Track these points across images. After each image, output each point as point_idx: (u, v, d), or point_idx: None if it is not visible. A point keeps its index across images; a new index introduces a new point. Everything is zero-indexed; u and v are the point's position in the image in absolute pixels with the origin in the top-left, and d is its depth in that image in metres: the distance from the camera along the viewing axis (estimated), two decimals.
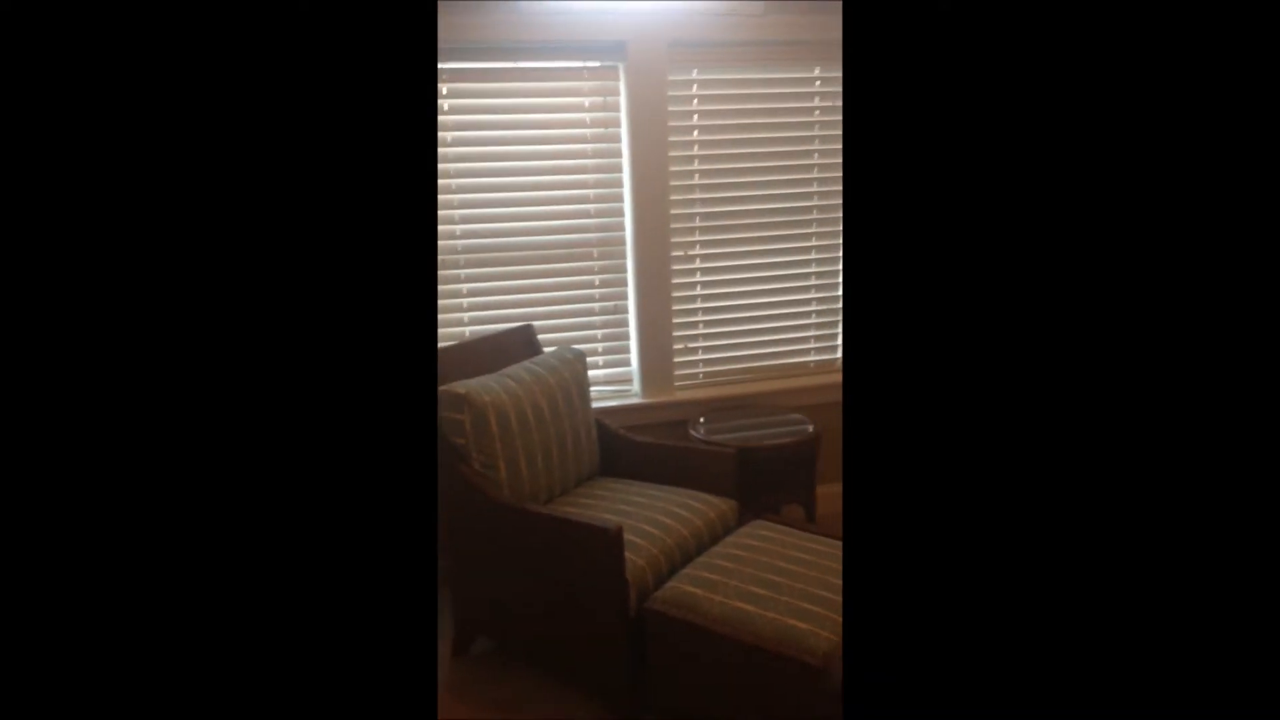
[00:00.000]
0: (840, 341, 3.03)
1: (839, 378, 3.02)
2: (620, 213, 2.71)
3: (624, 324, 2.82)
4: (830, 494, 3.10)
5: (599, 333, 2.80)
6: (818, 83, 2.77)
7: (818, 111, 2.79)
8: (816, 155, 2.83)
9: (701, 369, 2.93)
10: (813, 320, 2.99)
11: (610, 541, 1.86)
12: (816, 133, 2.81)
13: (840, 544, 2.08)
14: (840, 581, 1.87)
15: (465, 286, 2.66)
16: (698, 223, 2.79)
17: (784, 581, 1.87)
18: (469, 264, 2.64)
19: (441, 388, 2.15)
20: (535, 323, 2.67)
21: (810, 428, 2.63)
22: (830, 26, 2.68)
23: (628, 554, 1.95)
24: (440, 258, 2.60)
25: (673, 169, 2.71)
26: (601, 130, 2.63)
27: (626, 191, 2.69)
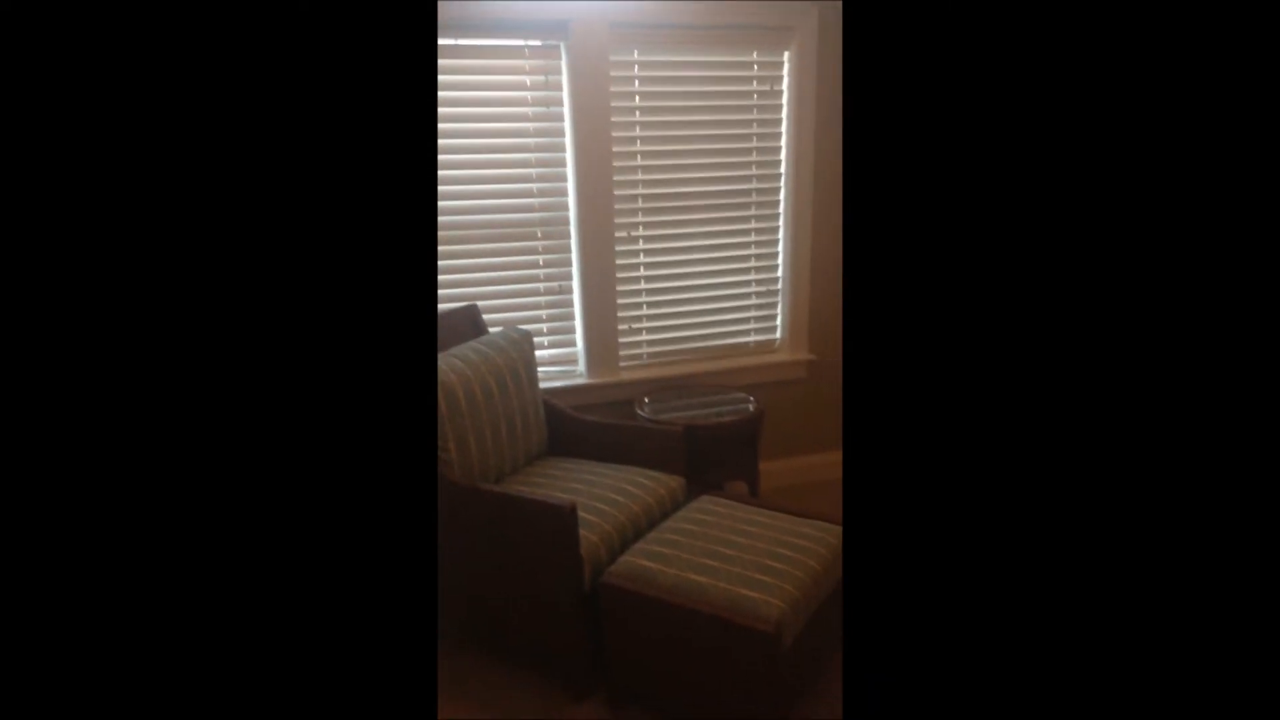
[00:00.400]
0: (779, 321, 3.10)
1: (778, 357, 3.09)
2: (564, 193, 2.71)
3: (569, 305, 2.82)
4: (771, 470, 3.18)
5: (544, 313, 2.80)
6: (755, 66, 2.82)
7: (755, 95, 2.84)
8: (755, 139, 2.88)
9: (646, 349, 2.96)
10: (753, 301, 3.05)
11: (564, 518, 1.87)
12: (755, 116, 2.86)
13: (785, 516, 2.14)
14: (788, 551, 1.93)
15: None
16: (640, 204, 2.81)
17: (733, 553, 1.92)
18: None
19: None
20: (480, 303, 2.65)
21: (752, 406, 2.69)
22: (766, 11, 2.72)
23: (581, 531, 1.97)
24: None
25: (615, 149, 2.72)
26: (544, 110, 2.62)
27: (570, 171, 2.69)
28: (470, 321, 2.54)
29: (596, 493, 2.17)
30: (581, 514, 2.04)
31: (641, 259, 2.87)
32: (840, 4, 2.80)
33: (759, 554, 1.92)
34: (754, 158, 2.90)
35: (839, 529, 2.09)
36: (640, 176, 2.78)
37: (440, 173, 2.56)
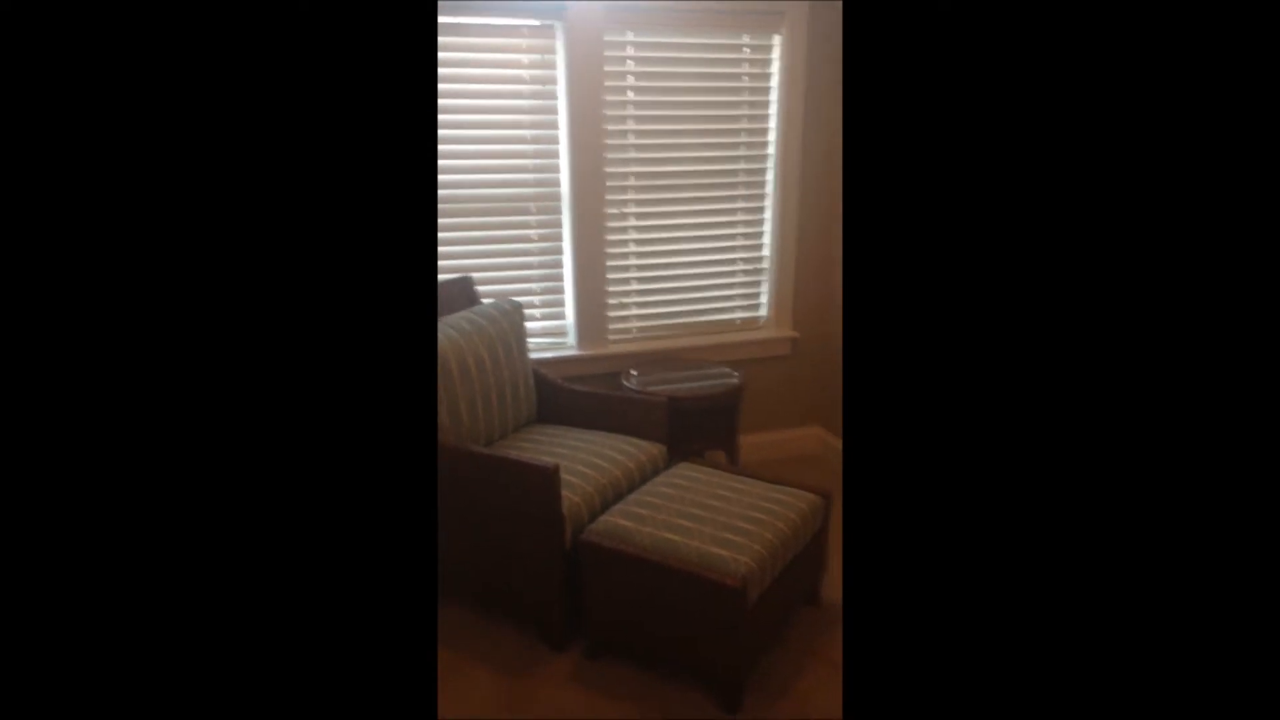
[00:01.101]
0: (764, 299, 3.20)
1: (763, 334, 3.19)
2: (556, 169, 2.80)
3: (560, 278, 2.91)
4: (750, 442, 3.30)
5: (535, 285, 2.89)
6: (746, 49, 2.89)
7: (746, 78, 2.92)
8: (745, 121, 2.96)
9: (635, 323, 3.06)
10: (739, 279, 3.15)
11: (547, 479, 1.98)
12: (744, 98, 2.94)
13: (759, 482, 2.26)
14: (759, 514, 2.05)
15: None
16: (632, 181, 2.90)
17: (707, 515, 2.04)
18: None
19: None
20: (474, 274, 2.75)
21: (735, 380, 2.80)
22: None
23: (564, 492, 2.09)
24: None
25: (608, 128, 2.80)
26: (539, 88, 2.70)
27: (563, 148, 2.77)
28: (464, 292, 2.64)
29: (580, 457, 2.28)
30: (565, 476, 2.16)
31: (632, 235, 2.96)
32: None
33: (732, 516, 2.03)
34: (743, 139, 2.98)
35: (810, 495, 2.20)
36: (632, 155, 2.87)
37: (438, 147, 2.65)
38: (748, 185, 3.05)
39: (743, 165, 3.01)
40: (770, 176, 3.06)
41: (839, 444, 3.26)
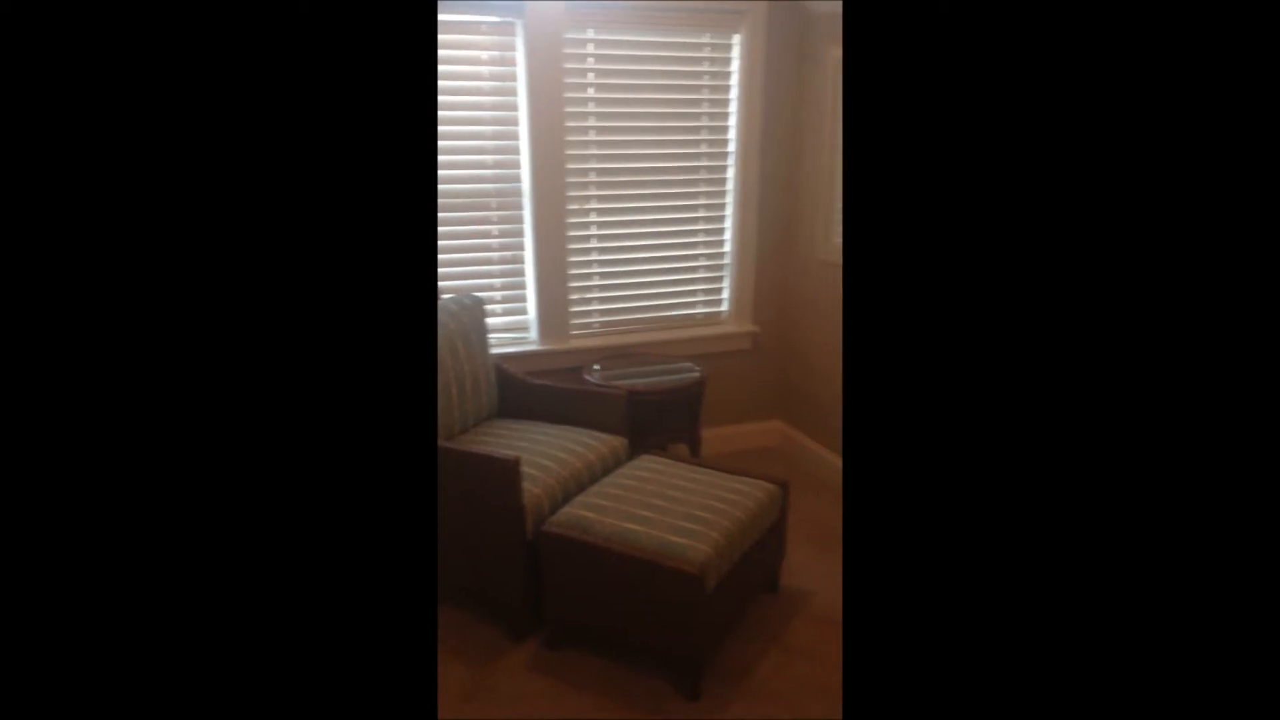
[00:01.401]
0: (726, 295, 3.24)
1: (724, 329, 3.24)
2: (517, 165, 2.81)
3: (521, 273, 2.93)
4: (712, 435, 3.34)
5: (497, 281, 2.90)
6: (707, 48, 2.93)
7: (706, 76, 2.96)
8: (705, 119, 3.00)
9: (596, 319, 3.08)
10: (700, 275, 3.19)
11: (508, 471, 2.00)
12: (705, 96, 2.97)
13: (718, 473, 2.29)
14: (717, 503, 2.08)
15: None
16: (593, 178, 2.92)
17: (667, 505, 2.07)
18: None
19: None
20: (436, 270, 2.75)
21: (696, 374, 2.83)
22: None
23: (525, 484, 2.10)
24: None
25: (569, 125, 2.82)
26: (499, 84, 2.71)
27: (524, 144, 2.79)
28: None
29: (541, 450, 2.30)
30: (526, 469, 2.17)
31: (594, 231, 2.98)
32: None
33: (691, 505, 2.06)
34: (704, 136, 3.02)
35: (768, 485, 2.24)
36: (593, 152, 2.89)
37: None
38: (709, 182, 3.08)
39: (704, 162, 3.05)
40: (731, 174, 3.10)
41: (799, 436, 3.31)
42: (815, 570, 2.52)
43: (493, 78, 2.70)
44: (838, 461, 3.07)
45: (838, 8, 2.79)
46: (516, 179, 2.82)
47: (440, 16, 2.58)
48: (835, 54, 2.79)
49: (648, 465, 2.33)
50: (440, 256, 2.80)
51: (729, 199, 3.13)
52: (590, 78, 2.82)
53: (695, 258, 3.16)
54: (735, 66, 2.98)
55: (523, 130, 2.77)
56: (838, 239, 2.91)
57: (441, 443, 2.14)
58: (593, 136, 2.87)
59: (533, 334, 2.99)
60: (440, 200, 2.75)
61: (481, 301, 2.58)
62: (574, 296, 3.01)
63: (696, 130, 3.00)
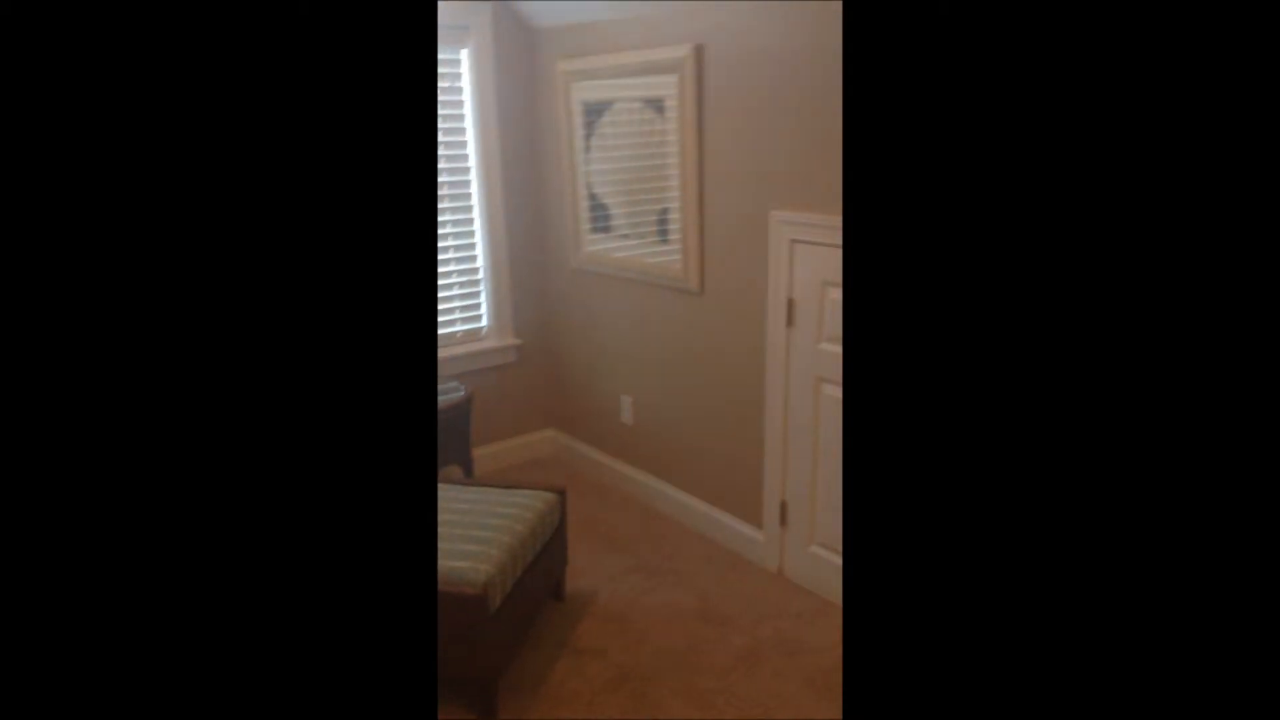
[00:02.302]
0: (484, 310, 3.23)
1: (486, 344, 3.22)
2: None
3: None
4: (486, 453, 3.31)
5: None
6: (465, 64, 2.90)
7: (439, 93, 2.92)
8: (441, 134, 2.97)
9: None
10: (456, 292, 3.15)
11: None
12: (439, 113, 2.94)
13: (493, 490, 2.29)
14: (495, 520, 2.08)
15: None
16: None
17: (445, 530, 2.03)
18: None
19: None
20: None
21: (462, 393, 2.80)
22: (441, 11, 2.81)
23: None
24: None
25: None
26: None
27: None
28: None
29: None
30: None
31: None
32: (514, 4, 2.97)
33: (468, 527, 2.04)
34: (442, 152, 2.98)
35: (546, 494, 2.27)
36: None
37: None
38: (453, 198, 3.05)
39: (445, 179, 3.02)
40: (475, 188, 3.09)
41: (572, 442, 3.38)
42: (597, 571, 2.59)
43: None
44: (612, 462, 3.18)
45: (562, 21, 2.88)
46: None
47: None
48: (563, 66, 2.88)
49: None
50: None
51: (476, 214, 3.12)
52: None
53: (448, 275, 3.11)
54: (466, 80, 2.97)
55: None
56: (589, 247, 3.01)
57: None
58: None
59: None
60: None
61: None
62: None
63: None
